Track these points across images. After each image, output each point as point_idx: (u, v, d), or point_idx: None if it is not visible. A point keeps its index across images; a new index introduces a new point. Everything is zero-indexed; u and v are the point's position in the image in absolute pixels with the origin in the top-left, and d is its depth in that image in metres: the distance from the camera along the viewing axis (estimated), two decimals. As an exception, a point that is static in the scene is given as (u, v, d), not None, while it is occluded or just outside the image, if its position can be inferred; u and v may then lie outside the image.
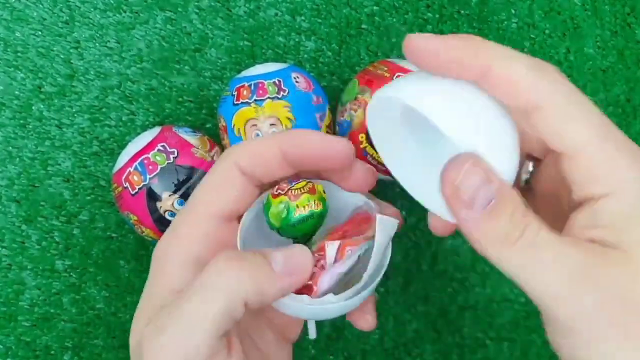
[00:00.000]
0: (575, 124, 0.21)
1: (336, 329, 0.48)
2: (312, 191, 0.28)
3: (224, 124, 0.41)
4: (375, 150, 0.41)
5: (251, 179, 0.27)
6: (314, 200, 0.28)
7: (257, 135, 0.40)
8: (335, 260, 0.27)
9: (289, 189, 0.28)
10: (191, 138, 0.42)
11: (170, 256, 0.27)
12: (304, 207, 0.27)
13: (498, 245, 0.21)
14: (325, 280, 0.27)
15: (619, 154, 0.21)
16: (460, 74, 0.22)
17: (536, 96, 0.21)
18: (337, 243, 0.27)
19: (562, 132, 0.22)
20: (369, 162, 0.42)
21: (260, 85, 0.41)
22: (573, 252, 0.21)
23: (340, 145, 0.27)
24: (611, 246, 0.21)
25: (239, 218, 0.29)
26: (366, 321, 0.30)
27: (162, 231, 0.40)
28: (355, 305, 0.27)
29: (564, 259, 0.21)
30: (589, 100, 0.22)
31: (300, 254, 0.26)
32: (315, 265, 0.27)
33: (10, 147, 0.46)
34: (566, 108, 0.21)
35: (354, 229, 0.29)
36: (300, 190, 0.28)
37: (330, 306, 0.26)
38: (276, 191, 0.28)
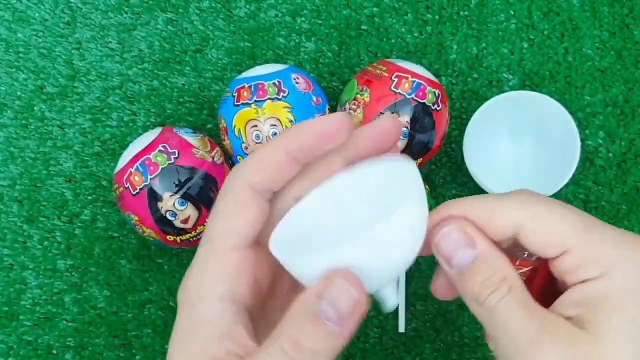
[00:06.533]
0: (557, 229, 0.23)
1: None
2: None
3: (225, 125, 0.42)
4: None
5: (263, 194, 0.26)
6: None
7: (257, 136, 0.41)
8: None
9: None
10: (192, 139, 0.42)
11: (206, 297, 0.25)
12: None
13: (472, 301, 0.24)
14: None
15: (604, 242, 0.23)
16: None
17: (514, 221, 0.24)
18: None
19: (546, 241, 0.24)
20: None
21: (260, 86, 0.41)
22: (529, 323, 0.22)
23: (336, 119, 0.26)
24: (583, 326, 0.22)
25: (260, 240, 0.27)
26: None
27: (163, 231, 0.41)
28: None
29: (516, 328, 0.23)
30: (562, 204, 0.24)
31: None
32: None
33: (12, 148, 0.46)
34: (545, 219, 0.24)
35: None
36: None
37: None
38: None
